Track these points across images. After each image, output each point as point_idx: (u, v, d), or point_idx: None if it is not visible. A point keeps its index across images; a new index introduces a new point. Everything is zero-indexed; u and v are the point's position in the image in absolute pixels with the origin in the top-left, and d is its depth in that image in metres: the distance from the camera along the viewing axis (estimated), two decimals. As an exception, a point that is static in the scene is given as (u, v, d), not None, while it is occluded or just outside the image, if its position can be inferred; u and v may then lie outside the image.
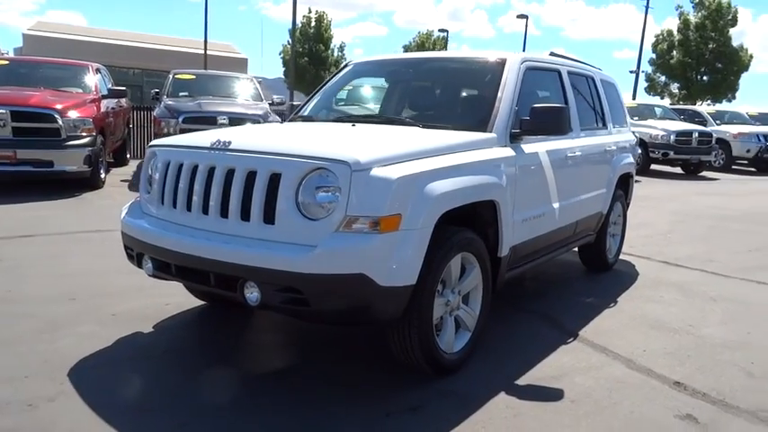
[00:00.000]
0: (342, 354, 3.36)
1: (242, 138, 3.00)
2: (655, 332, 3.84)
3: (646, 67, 36.98)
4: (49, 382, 2.81)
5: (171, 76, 11.17)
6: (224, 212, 2.76)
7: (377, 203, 2.53)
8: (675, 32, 35.91)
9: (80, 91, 9.30)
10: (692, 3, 35.50)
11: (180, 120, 9.10)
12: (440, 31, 43.94)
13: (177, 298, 3.94)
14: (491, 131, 3.44)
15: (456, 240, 2.91)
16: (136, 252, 3.11)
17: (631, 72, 35.45)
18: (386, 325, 2.84)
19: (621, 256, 5.65)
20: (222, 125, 8.84)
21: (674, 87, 36.85)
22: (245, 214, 2.69)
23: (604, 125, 5.04)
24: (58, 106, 7.95)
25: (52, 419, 2.52)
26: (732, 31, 34.72)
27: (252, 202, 2.67)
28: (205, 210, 2.82)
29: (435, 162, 2.86)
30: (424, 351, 2.83)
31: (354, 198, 2.51)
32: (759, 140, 16.99)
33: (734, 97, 35.79)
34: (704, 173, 16.03)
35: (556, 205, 3.98)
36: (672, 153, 14.69)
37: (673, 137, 14.68)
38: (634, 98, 31.46)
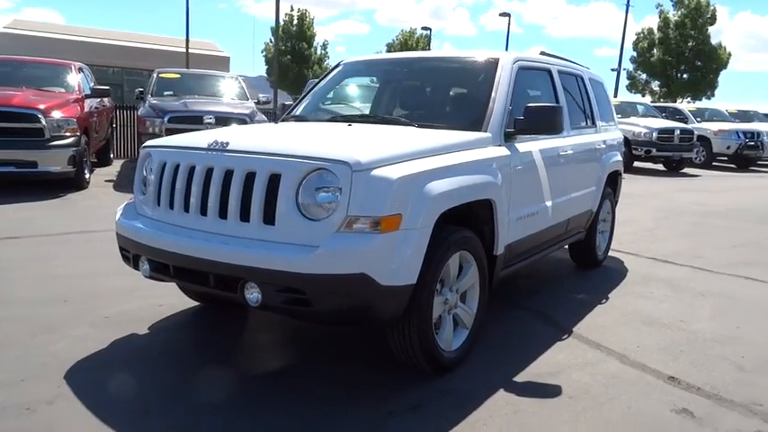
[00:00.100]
0: (339, 353, 3.36)
1: (240, 138, 2.99)
2: (647, 328, 3.89)
3: (627, 65, 37.42)
4: (47, 385, 2.79)
5: (155, 75, 11.07)
6: (223, 213, 2.75)
7: (378, 203, 2.54)
8: (656, 31, 36.33)
9: (63, 90, 9.20)
10: (671, 1, 35.98)
11: (165, 119, 9.03)
12: (423, 29, 44.08)
13: (170, 299, 3.91)
14: (486, 131, 3.47)
15: (454, 239, 2.93)
16: (132, 254, 3.08)
17: (613, 70, 35.85)
18: (386, 324, 2.85)
19: (610, 253, 5.72)
20: (209, 124, 8.79)
21: (655, 85, 37.32)
22: (245, 215, 2.68)
23: (593, 123, 5.10)
24: (42, 106, 7.86)
25: (51, 423, 2.50)
26: (711, 29, 35.26)
27: (251, 202, 2.66)
28: (203, 211, 2.81)
29: (434, 162, 2.87)
30: (423, 349, 2.85)
31: (355, 198, 2.52)
32: (738, 137, 17.28)
33: (713, 95, 36.36)
34: (686, 169, 16.26)
35: (549, 203, 4.02)
36: (654, 150, 14.88)
37: (655, 134, 14.87)
38: (615, 96, 31.68)
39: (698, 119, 18.56)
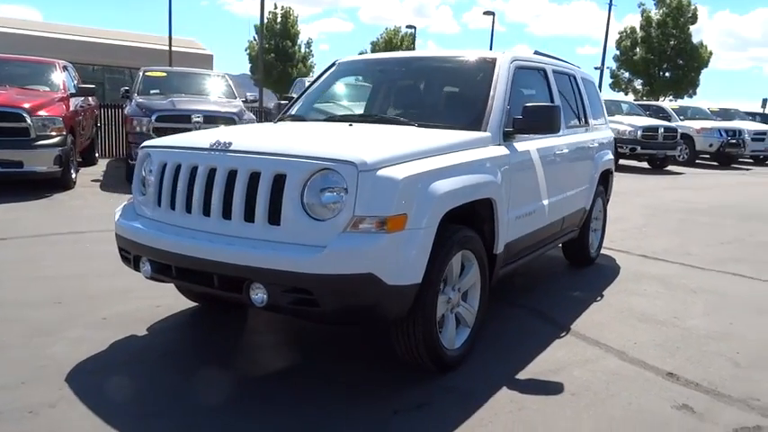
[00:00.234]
0: (340, 353, 3.36)
1: (243, 138, 2.97)
2: (642, 324, 3.94)
3: (610, 64, 37.76)
4: (47, 387, 2.75)
5: (141, 74, 10.92)
6: (227, 214, 2.73)
7: (384, 203, 2.54)
8: (638, 29, 36.68)
9: (48, 89, 9.07)
10: (653, 0, 36.33)
11: (153, 118, 8.91)
12: (407, 27, 44.10)
13: (167, 300, 3.88)
14: (485, 130, 3.48)
15: (457, 239, 2.94)
16: (133, 255, 3.05)
17: (596, 68, 36.07)
18: (391, 324, 2.85)
19: (601, 251, 5.77)
20: (197, 123, 8.71)
21: (638, 83, 37.69)
22: (249, 215, 2.67)
23: (586, 122, 5.14)
24: (27, 105, 7.74)
25: (54, 426, 2.47)
26: (692, 28, 35.66)
27: (256, 203, 2.65)
28: (206, 211, 2.79)
29: (437, 161, 2.88)
30: (428, 348, 2.86)
31: (362, 198, 2.52)
32: (721, 135, 17.53)
33: (695, 93, 36.81)
34: (670, 167, 16.46)
35: (545, 202, 4.05)
36: (639, 148, 15.06)
37: (640, 132, 15.04)
38: (599, 94, 31.99)
39: (681, 117, 18.78)
